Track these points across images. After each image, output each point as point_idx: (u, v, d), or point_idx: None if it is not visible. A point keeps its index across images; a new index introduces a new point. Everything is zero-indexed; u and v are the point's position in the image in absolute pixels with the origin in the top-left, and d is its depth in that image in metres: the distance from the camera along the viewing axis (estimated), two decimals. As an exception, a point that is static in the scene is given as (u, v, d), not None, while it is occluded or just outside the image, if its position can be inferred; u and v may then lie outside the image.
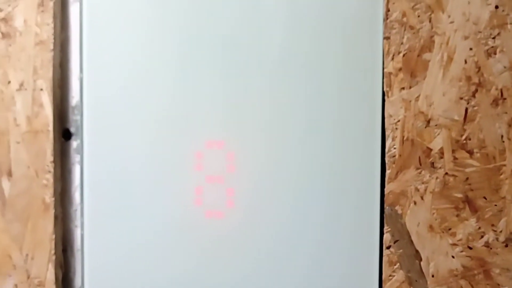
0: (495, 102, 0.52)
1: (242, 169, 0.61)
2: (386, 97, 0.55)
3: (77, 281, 0.71)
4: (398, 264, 0.56)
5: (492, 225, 0.53)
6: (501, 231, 0.53)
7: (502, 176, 0.52)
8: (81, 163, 0.68)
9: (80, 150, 0.68)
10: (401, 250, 0.56)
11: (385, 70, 0.55)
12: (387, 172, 0.56)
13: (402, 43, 0.54)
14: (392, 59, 0.54)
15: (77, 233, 0.70)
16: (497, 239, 0.53)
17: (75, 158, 0.69)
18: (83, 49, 0.66)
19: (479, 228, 0.53)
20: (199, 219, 0.63)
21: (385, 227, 0.56)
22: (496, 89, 0.52)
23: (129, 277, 0.67)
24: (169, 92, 0.63)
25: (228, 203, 0.62)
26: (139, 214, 0.65)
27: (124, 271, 0.66)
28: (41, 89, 0.67)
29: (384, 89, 0.55)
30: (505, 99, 0.51)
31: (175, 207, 0.64)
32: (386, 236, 0.56)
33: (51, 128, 0.67)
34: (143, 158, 0.65)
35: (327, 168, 0.58)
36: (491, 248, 0.53)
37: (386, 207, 0.56)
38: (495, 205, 0.52)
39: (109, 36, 0.65)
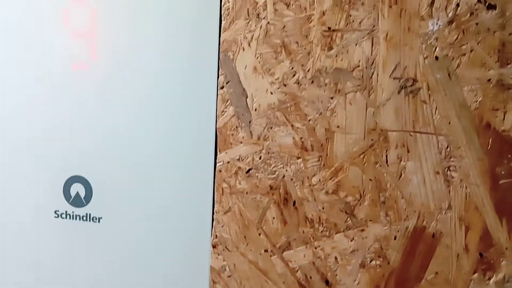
0: (307, -38, 0.63)
1: (104, 24, 0.71)
2: (223, -41, 0.66)
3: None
4: (229, 101, 0.68)
5: (302, 65, 0.65)
6: (308, 70, 0.65)
7: (311, 24, 0.64)
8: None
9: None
10: (231, 89, 0.68)
11: None
12: (223, 23, 0.67)
13: None
14: None
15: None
16: (305, 76, 0.65)
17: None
18: None
19: (292, 68, 0.65)
20: (66, 71, 0.73)
21: (220, 70, 0.68)
22: (309, -49, 0.63)
23: (4, 126, 0.75)
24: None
25: (92, 56, 0.72)
26: (13, 65, 0.74)
27: None
28: None
29: (222, -49, 0.66)
30: (315, -41, 0.63)
31: (43, 60, 0.73)
32: (221, 78, 0.68)
33: None
34: (15, 18, 0.73)
35: (175, 18, 0.68)
36: (300, 85, 0.65)
37: (221, 53, 0.67)
38: (305, 48, 0.64)
39: None
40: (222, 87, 0.66)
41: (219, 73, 0.66)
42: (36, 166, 0.72)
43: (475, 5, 0.57)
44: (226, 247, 0.68)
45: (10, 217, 0.75)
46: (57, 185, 0.72)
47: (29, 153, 0.72)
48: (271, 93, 0.64)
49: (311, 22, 0.63)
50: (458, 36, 0.58)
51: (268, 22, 0.64)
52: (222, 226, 0.68)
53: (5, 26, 0.72)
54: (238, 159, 0.67)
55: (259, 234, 0.67)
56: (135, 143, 0.69)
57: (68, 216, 0.73)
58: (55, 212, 0.73)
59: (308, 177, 0.65)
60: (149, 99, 0.68)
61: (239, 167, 0.67)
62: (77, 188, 0.72)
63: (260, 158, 0.66)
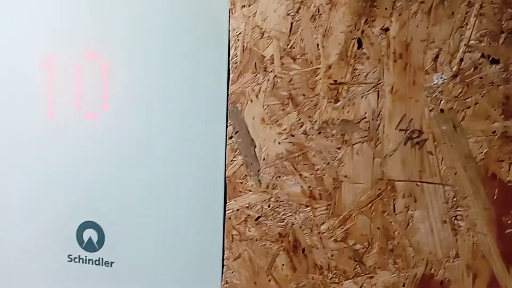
0: (313, 17, 0.65)
1: (115, 76, 0.73)
2: (230, 14, 0.68)
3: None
4: (238, 150, 0.69)
5: (309, 116, 0.66)
6: (315, 121, 0.66)
7: (317, 77, 0.66)
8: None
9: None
10: (240, 139, 0.69)
11: (230, -10, 0.67)
12: (231, 76, 0.68)
13: (243, -33, 0.67)
14: (235, -19, 0.67)
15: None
16: (312, 128, 0.66)
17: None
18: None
19: (299, 119, 0.67)
20: (79, 119, 0.75)
21: (229, 121, 0.69)
22: (314, 6, 0.65)
23: (20, 175, 0.78)
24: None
25: (103, 106, 0.74)
26: (23, 116, 0.76)
27: (15, 171, 0.78)
28: None
29: (229, 7, 0.68)
30: (321, 14, 0.65)
31: (58, 112, 0.75)
32: (229, 128, 0.69)
33: None
34: (28, 73, 0.75)
35: (184, 71, 0.70)
36: (308, 135, 0.67)
37: (230, 105, 0.69)
38: (311, 100, 0.66)
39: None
40: (230, 137, 0.67)
41: (228, 124, 0.67)
42: (50, 212, 0.74)
43: (478, 59, 0.59)
44: (236, 293, 0.70)
45: (26, 261, 0.76)
46: (70, 230, 0.74)
47: (43, 199, 0.74)
48: (279, 143, 0.66)
49: (317, 75, 0.64)
50: (462, 90, 0.60)
51: (275, 75, 0.65)
52: (232, 272, 0.70)
53: (23, 81, 0.73)
54: (248, 207, 0.68)
55: (269, 281, 0.68)
56: (146, 191, 0.71)
57: (81, 260, 0.75)
58: (68, 256, 0.75)
59: (317, 225, 0.66)
60: (159, 148, 0.70)
61: (249, 215, 0.68)
62: (90, 233, 0.74)
63: (269, 206, 0.67)
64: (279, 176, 0.66)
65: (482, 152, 0.59)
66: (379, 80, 0.62)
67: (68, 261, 0.75)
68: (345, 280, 0.66)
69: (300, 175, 0.65)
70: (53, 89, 0.73)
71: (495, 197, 0.60)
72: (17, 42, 0.73)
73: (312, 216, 0.66)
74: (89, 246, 0.74)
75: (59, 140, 0.73)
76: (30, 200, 0.75)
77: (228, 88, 0.67)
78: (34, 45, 0.72)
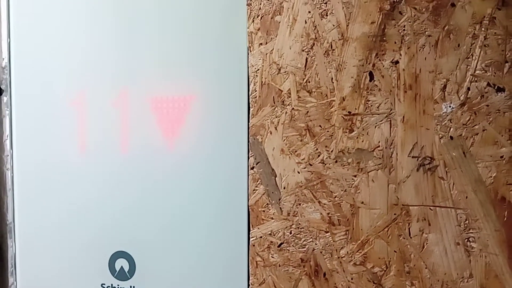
0: (327, 53, 0.70)
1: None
2: (249, 51, 0.73)
3: (9, 216, 0.86)
4: (259, 180, 0.74)
5: (326, 146, 0.71)
6: (332, 151, 0.71)
7: (332, 109, 0.70)
8: (10, 115, 0.83)
9: (9, 104, 0.84)
10: (261, 170, 0.74)
11: (248, 30, 0.72)
12: (251, 109, 0.73)
13: (260, 9, 0.72)
14: (253, 21, 0.72)
15: (8, 175, 0.85)
16: (329, 157, 0.71)
17: (5, 111, 0.85)
18: (11, 17, 0.82)
19: (317, 149, 0.71)
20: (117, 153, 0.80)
21: (250, 153, 0.74)
22: (327, 42, 0.69)
23: (55, 208, 0.83)
24: (89, 58, 0.79)
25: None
26: (63, 160, 0.81)
27: (50, 204, 0.82)
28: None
29: (248, 45, 0.73)
30: (334, 50, 0.69)
31: (90, 146, 0.80)
32: (251, 159, 0.74)
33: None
34: (65, 112, 0.81)
35: (208, 103, 0.75)
36: (325, 164, 0.71)
37: (251, 137, 0.73)
38: (328, 131, 0.70)
39: (34, 4, 0.81)
40: (252, 168, 0.72)
41: (249, 155, 0.71)
42: (83, 242, 0.78)
43: (485, 88, 0.62)
44: (262, 316, 0.73)
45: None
46: (102, 260, 0.78)
47: (76, 231, 0.78)
48: (298, 172, 0.70)
49: (332, 107, 0.68)
50: (470, 117, 0.63)
51: (293, 108, 0.69)
52: (257, 297, 0.73)
53: (57, 124, 0.78)
54: (270, 234, 0.72)
55: (293, 304, 0.72)
56: (173, 221, 0.75)
57: (113, 289, 0.79)
58: (101, 285, 0.79)
59: (336, 250, 0.70)
60: (185, 180, 0.74)
61: (271, 242, 0.72)
62: (121, 263, 0.78)
63: (290, 232, 0.71)
64: (299, 204, 0.70)
65: (491, 176, 0.63)
66: (390, 110, 0.66)
67: (101, 289, 0.79)
68: (365, 302, 0.69)
69: (319, 202, 0.69)
70: (85, 126, 0.77)
71: (505, 219, 0.63)
72: (50, 82, 0.78)
73: (331, 241, 0.69)
74: (121, 275, 0.78)
75: (91, 173, 0.77)
76: (64, 232, 0.79)
77: (248, 121, 0.71)
78: (66, 85, 0.77)
